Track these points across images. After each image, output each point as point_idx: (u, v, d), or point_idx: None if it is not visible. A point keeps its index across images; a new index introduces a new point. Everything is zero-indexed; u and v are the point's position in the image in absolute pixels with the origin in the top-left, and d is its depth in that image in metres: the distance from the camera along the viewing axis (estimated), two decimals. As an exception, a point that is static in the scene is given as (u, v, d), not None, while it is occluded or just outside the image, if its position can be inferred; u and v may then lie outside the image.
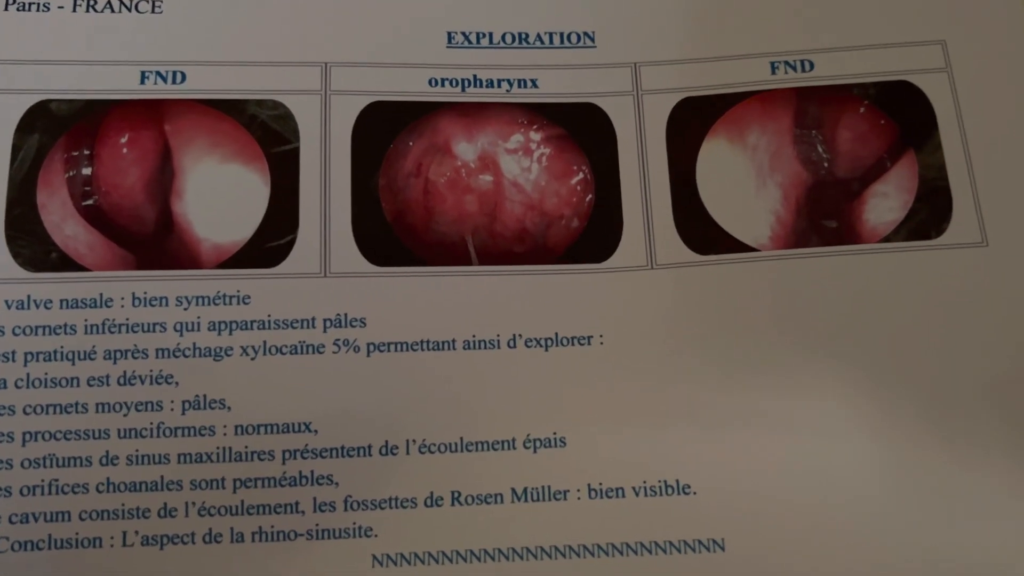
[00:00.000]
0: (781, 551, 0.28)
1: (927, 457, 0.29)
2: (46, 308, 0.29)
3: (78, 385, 0.29)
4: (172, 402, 0.29)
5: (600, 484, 0.29)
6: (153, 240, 0.30)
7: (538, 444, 0.29)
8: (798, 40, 0.33)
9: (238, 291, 0.30)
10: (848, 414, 0.29)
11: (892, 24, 0.33)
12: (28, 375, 0.29)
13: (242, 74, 0.32)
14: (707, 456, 0.29)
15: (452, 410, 0.29)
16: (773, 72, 0.32)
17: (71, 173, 0.30)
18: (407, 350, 0.30)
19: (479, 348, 0.30)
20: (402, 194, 0.31)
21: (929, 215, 0.31)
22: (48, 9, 0.32)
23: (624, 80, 0.32)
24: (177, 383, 0.29)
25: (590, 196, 0.31)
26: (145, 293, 0.30)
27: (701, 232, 0.31)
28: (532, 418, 0.29)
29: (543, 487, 0.29)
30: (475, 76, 0.32)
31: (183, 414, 0.29)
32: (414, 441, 0.29)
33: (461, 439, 0.29)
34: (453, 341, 0.30)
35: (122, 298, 0.29)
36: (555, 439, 0.29)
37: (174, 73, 0.31)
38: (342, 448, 0.29)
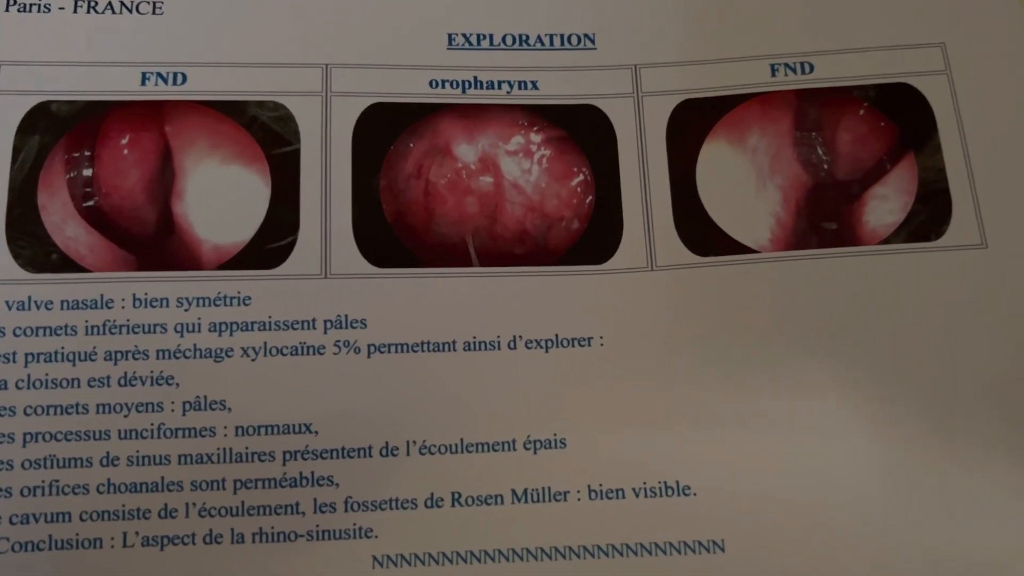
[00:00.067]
0: (781, 552, 0.28)
1: (927, 457, 0.29)
2: (47, 309, 0.29)
3: (79, 386, 0.29)
4: (173, 403, 0.29)
5: (600, 485, 0.29)
6: (154, 241, 0.30)
7: (538, 445, 0.29)
8: (798, 42, 0.33)
9: (239, 292, 0.30)
10: (848, 415, 0.29)
11: (892, 26, 0.33)
12: (29, 376, 0.29)
13: (243, 75, 0.32)
14: (707, 457, 0.29)
15: (452, 411, 0.29)
16: (773, 74, 0.32)
17: (72, 174, 0.30)
18: (408, 351, 0.30)
19: (479, 349, 0.30)
20: (403, 195, 0.31)
21: (929, 217, 0.31)
22: (49, 10, 0.32)
23: (624, 82, 0.32)
24: (178, 384, 0.29)
25: (590, 198, 0.32)
26: (146, 294, 0.30)
27: (701, 234, 0.31)
28: (532, 419, 0.29)
29: (543, 488, 0.29)
30: (475, 78, 0.32)
31: (184, 415, 0.29)
32: (414, 442, 0.29)
33: (461, 440, 0.29)
34: (453, 342, 0.30)
35: (123, 299, 0.29)
36: (555, 440, 0.29)
37: (175, 74, 0.32)
38: (342, 449, 0.29)
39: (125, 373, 0.29)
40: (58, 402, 0.29)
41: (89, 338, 0.29)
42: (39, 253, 0.30)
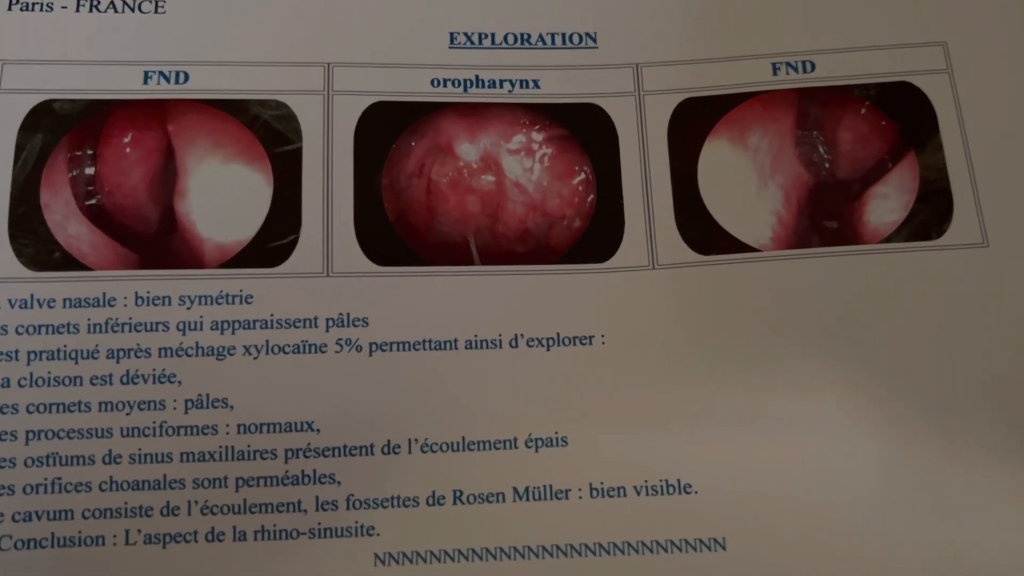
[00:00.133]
0: (782, 550, 0.29)
1: (927, 457, 0.29)
2: (49, 307, 0.29)
3: (81, 384, 0.29)
4: (175, 401, 0.29)
5: (601, 483, 0.29)
6: (156, 240, 0.30)
7: (540, 443, 0.29)
8: (799, 41, 0.33)
9: (241, 290, 0.30)
10: (849, 414, 0.29)
11: (893, 25, 0.33)
12: (31, 374, 0.29)
13: (245, 74, 0.32)
14: (708, 455, 0.29)
15: (454, 409, 0.29)
16: (775, 73, 0.32)
17: (74, 172, 0.30)
18: (409, 350, 0.30)
19: (481, 348, 0.30)
20: (404, 194, 0.31)
21: (930, 216, 0.31)
22: (51, 9, 0.32)
23: (626, 81, 0.32)
24: (180, 382, 0.29)
25: (592, 196, 0.32)
26: (148, 292, 0.30)
27: (702, 232, 0.31)
28: (534, 417, 0.29)
29: (545, 486, 0.29)
30: (477, 76, 0.32)
31: (186, 413, 0.29)
32: (416, 440, 0.29)
33: (463, 438, 0.29)
34: (455, 341, 0.30)
35: (125, 297, 0.29)
36: (557, 438, 0.29)
37: (177, 73, 0.32)
38: (344, 447, 0.29)
39: (127, 371, 0.29)
40: (60, 400, 0.29)
41: (91, 336, 0.29)
42: (41, 251, 0.30)
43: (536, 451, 0.29)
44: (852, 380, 0.30)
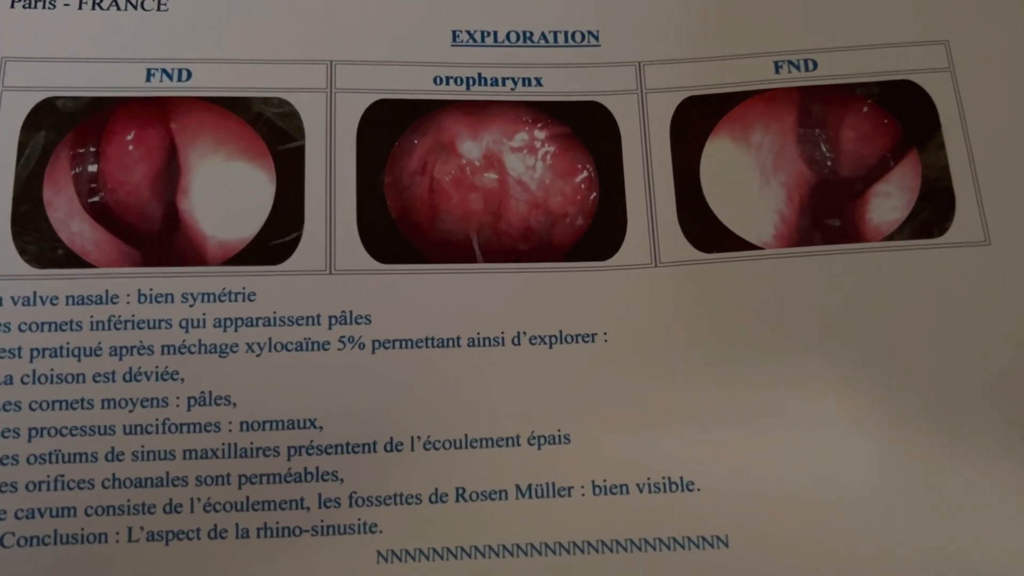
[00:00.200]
0: (785, 548, 0.29)
1: (928, 456, 0.29)
2: (52, 304, 0.29)
3: (84, 381, 0.29)
4: (177, 398, 0.29)
5: (604, 481, 0.29)
6: (159, 237, 0.30)
7: (542, 441, 0.29)
8: (802, 39, 0.33)
9: (243, 288, 0.30)
10: (851, 411, 0.30)
11: (895, 24, 0.33)
12: (34, 371, 0.29)
13: (247, 72, 0.32)
14: (711, 453, 0.29)
15: (456, 407, 0.29)
16: (777, 71, 0.32)
17: (77, 170, 0.30)
18: (412, 347, 0.30)
19: (483, 345, 0.30)
20: (407, 192, 0.31)
21: (932, 214, 0.31)
22: (54, 7, 0.32)
23: (628, 79, 0.32)
24: (182, 379, 0.29)
25: (594, 194, 0.32)
26: (151, 290, 0.30)
27: (705, 230, 0.31)
28: (536, 415, 0.29)
29: (547, 484, 0.29)
30: (480, 74, 0.32)
31: (188, 410, 0.29)
32: (419, 438, 0.29)
33: (465, 436, 0.29)
34: (458, 338, 0.30)
35: (128, 295, 0.29)
36: (559, 436, 0.29)
37: (180, 71, 0.32)
38: (347, 445, 0.29)
39: (130, 368, 0.29)
40: (63, 397, 0.29)
41: (94, 333, 0.29)
42: (44, 249, 0.30)
43: (539, 449, 0.29)
44: (854, 377, 0.30)
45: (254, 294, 0.30)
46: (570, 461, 0.29)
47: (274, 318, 0.30)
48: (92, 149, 0.31)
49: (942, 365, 0.30)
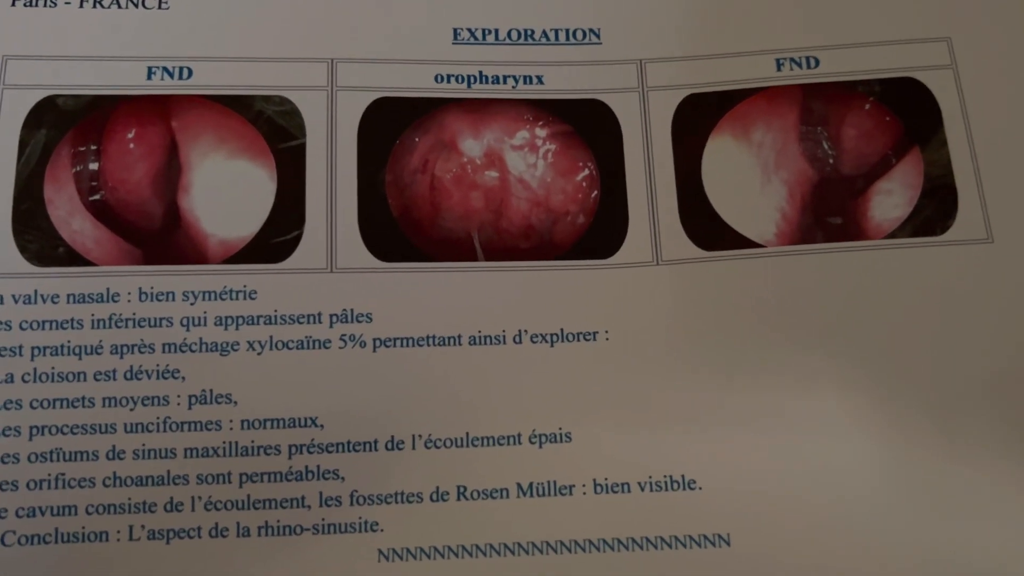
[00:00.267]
0: (786, 547, 0.29)
1: (929, 456, 0.29)
2: (53, 303, 0.29)
3: (85, 379, 0.29)
4: (179, 396, 0.29)
5: (605, 479, 0.29)
6: (160, 235, 0.30)
7: (543, 439, 0.29)
8: (803, 37, 0.33)
9: (244, 286, 0.30)
10: (851, 412, 0.29)
11: (897, 21, 0.33)
12: (35, 369, 0.29)
13: (248, 70, 0.32)
14: (712, 451, 0.29)
15: (457, 405, 0.29)
16: (778, 69, 0.32)
17: (78, 168, 0.30)
18: (413, 346, 0.30)
19: (485, 344, 0.30)
20: (408, 190, 0.31)
21: (934, 212, 0.31)
22: (55, 5, 0.32)
23: (629, 76, 0.32)
24: (183, 378, 0.29)
25: (596, 192, 0.32)
26: (152, 288, 0.30)
27: (706, 228, 0.31)
28: (537, 413, 0.29)
29: (548, 482, 0.29)
30: (481, 72, 0.32)
31: (189, 408, 0.29)
32: (420, 436, 0.29)
33: (467, 434, 0.29)
34: (459, 337, 0.30)
35: (129, 293, 0.29)
36: (560, 434, 0.29)
37: (181, 69, 0.32)
38: (348, 443, 0.29)
39: (131, 367, 0.29)
40: (64, 395, 0.29)
41: (95, 332, 0.29)
42: (45, 247, 0.30)
43: (540, 447, 0.29)
44: (856, 375, 0.30)
45: (255, 292, 0.30)
46: (571, 460, 0.29)
47: (275, 316, 0.30)
48: (93, 147, 0.31)
49: (943, 364, 0.30)
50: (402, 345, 0.30)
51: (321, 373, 0.29)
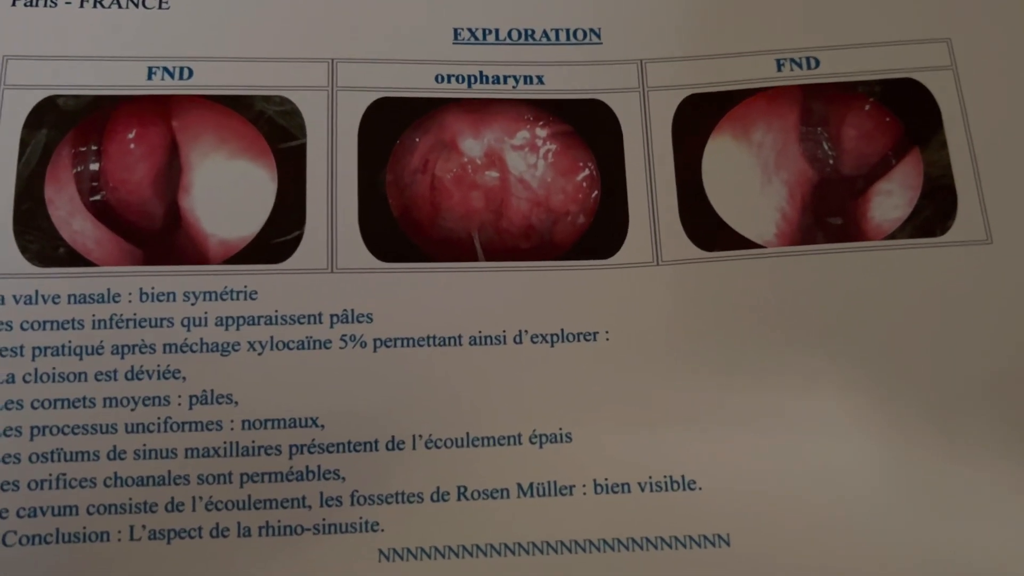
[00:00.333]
0: (786, 547, 0.29)
1: (929, 456, 0.29)
2: (54, 303, 0.29)
3: (85, 380, 0.29)
4: (179, 397, 0.29)
5: (606, 479, 0.29)
6: (160, 235, 0.30)
7: (544, 439, 0.29)
8: (804, 38, 0.33)
9: (245, 286, 0.30)
10: (851, 412, 0.30)
11: (897, 22, 0.33)
12: (36, 370, 0.29)
13: (249, 70, 0.32)
14: (713, 452, 0.29)
15: (458, 406, 0.29)
16: (779, 69, 0.32)
17: (79, 168, 0.30)
18: (413, 346, 0.30)
19: (485, 344, 0.30)
20: (409, 190, 0.31)
21: (934, 212, 0.31)
22: (56, 5, 0.32)
23: (630, 76, 0.32)
24: (184, 378, 0.29)
25: (596, 192, 0.32)
26: (152, 288, 0.30)
27: (707, 229, 0.31)
28: (538, 414, 0.29)
29: (549, 482, 0.29)
30: (481, 72, 0.32)
31: (190, 409, 0.29)
32: (420, 436, 0.29)
33: (467, 434, 0.29)
34: (459, 337, 0.30)
35: (129, 293, 0.29)
36: (561, 434, 0.29)
37: (181, 69, 0.32)
38: (348, 443, 0.29)
39: (132, 367, 0.29)
40: (65, 396, 0.29)
41: (96, 332, 0.29)
42: (46, 247, 0.30)
43: (540, 447, 0.29)
44: (856, 376, 0.30)
45: (256, 292, 0.30)
46: (571, 460, 0.29)
47: (276, 317, 0.30)
48: (94, 147, 0.31)
49: (942, 365, 0.30)
50: (402, 345, 0.30)
51: (322, 373, 0.29)
